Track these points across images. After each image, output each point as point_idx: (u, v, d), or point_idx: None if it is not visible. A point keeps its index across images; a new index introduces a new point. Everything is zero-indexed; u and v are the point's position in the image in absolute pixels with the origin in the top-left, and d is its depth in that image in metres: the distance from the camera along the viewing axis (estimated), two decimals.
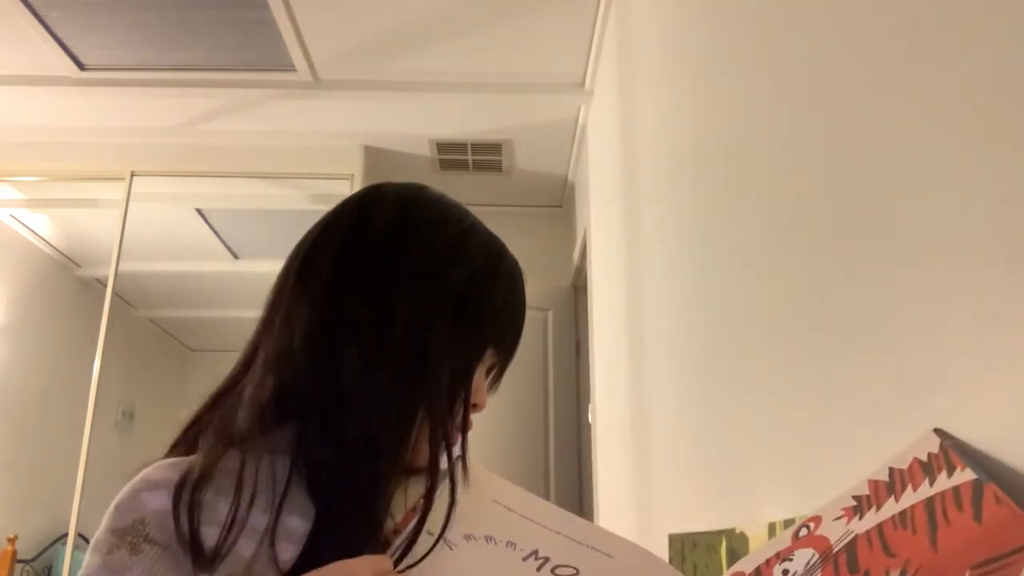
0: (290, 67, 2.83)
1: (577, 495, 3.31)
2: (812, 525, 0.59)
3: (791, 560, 0.57)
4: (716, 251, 1.28)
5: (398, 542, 0.56)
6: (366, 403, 0.62)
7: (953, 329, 0.59)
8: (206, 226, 3.65)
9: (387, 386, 0.63)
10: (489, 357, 0.71)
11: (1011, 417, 0.51)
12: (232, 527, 0.56)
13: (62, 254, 4.21)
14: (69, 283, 4.23)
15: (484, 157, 3.52)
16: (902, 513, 0.52)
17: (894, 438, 0.66)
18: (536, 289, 3.78)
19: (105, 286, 3.23)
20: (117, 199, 3.29)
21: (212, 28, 2.63)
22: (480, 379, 0.71)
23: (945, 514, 0.49)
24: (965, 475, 0.51)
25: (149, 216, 3.50)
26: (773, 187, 1.02)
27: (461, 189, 3.74)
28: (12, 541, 3.30)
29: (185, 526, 0.56)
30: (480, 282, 0.69)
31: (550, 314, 3.57)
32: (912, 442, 0.58)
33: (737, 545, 1.02)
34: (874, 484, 0.58)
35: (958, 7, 0.61)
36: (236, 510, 0.57)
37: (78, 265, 4.28)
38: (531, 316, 3.70)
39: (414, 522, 0.57)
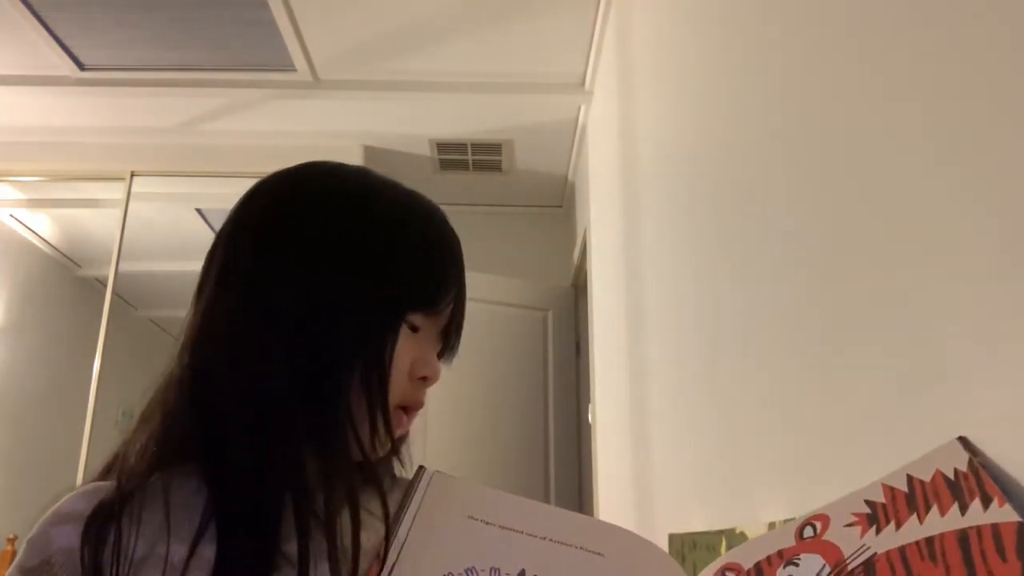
0: (290, 67, 2.83)
1: (577, 495, 3.31)
2: (818, 525, 0.54)
3: (796, 565, 0.52)
4: (716, 251, 1.28)
5: None
6: (250, 451, 0.55)
7: (955, 331, 0.59)
8: (206, 226, 3.65)
9: (277, 426, 0.56)
10: (426, 323, 0.63)
11: (1014, 420, 0.51)
12: (119, 564, 0.52)
13: (62, 254, 4.21)
14: (69, 283, 4.23)
15: (484, 157, 3.52)
16: (929, 541, 0.47)
17: (895, 438, 0.66)
18: (536, 289, 3.80)
19: (105, 286, 3.23)
20: (117, 199, 3.29)
21: (212, 28, 2.63)
22: (424, 347, 0.63)
23: (984, 558, 0.44)
24: (1005, 513, 0.45)
25: (149, 216, 3.50)
26: (773, 186, 1.02)
27: (461, 189, 3.76)
28: (12, 541, 3.29)
29: (89, 564, 0.52)
30: (379, 247, 0.61)
31: (550, 314, 3.57)
32: (934, 449, 0.54)
33: (737, 545, 1.02)
34: (890, 492, 0.53)
35: (958, 8, 0.61)
36: (119, 545, 0.53)
37: (78, 265, 4.28)
38: (531, 316, 3.72)
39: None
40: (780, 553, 0.54)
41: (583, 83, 2.92)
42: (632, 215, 2.09)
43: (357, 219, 0.62)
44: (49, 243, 4.12)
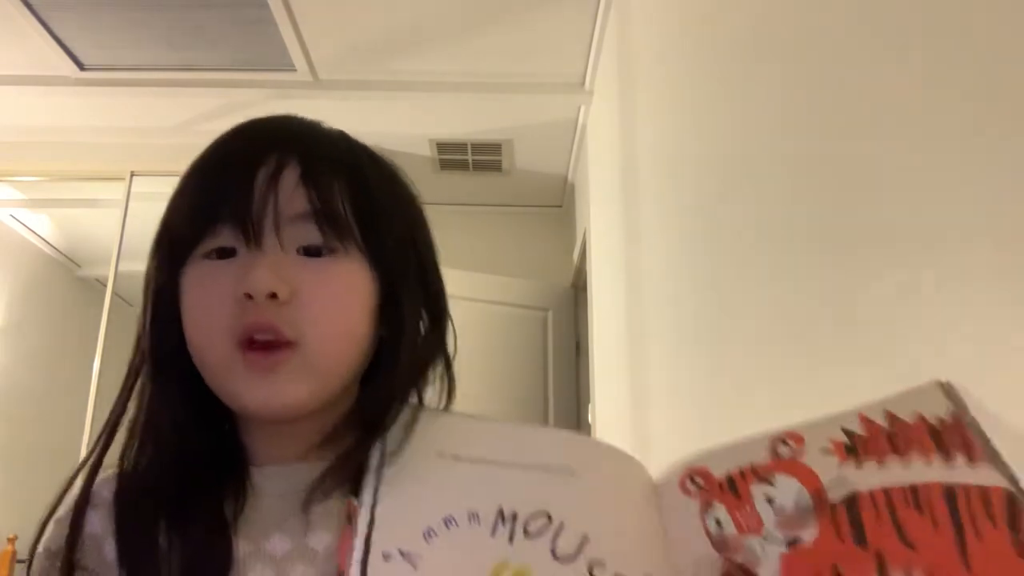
0: (290, 67, 2.83)
1: None
2: (794, 444, 0.51)
3: (773, 485, 0.49)
4: (716, 251, 1.28)
5: None
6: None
7: (957, 331, 0.59)
8: None
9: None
10: (200, 269, 0.55)
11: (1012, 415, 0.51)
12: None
13: (62, 254, 4.22)
14: (69, 283, 4.24)
15: (484, 157, 3.52)
16: (914, 489, 0.46)
17: None
18: (536, 289, 3.79)
19: (105, 286, 3.23)
20: (117, 199, 3.29)
21: (212, 28, 2.62)
22: (243, 265, 0.54)
23: (974, 521, 0.44)
24: (993, 478, 0.45)
25: (149, 216, 3.47)
26: (773, 186, 1.02)
27: (461, 189, 3.76)
28: (12, 541, 3.29)
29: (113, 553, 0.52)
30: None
31: (550, 314, 3.57)
32: (913, 388, 0.52)
33: None
34: (868, 424, 0.51)
35: (958, 9, 0.61)
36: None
37: (78, 265, 4.29)
38: (531, 316, 3.70)
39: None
40: (753, 468, 0.51)
41: (583, 83, 2.92)
42: (632, 215, 2.09)
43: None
44: (49, 243, 4.13)
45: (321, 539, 0.52)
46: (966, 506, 0.44)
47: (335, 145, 0.60)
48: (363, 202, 0.57)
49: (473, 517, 0.49)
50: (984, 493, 0.45)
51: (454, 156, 3.50)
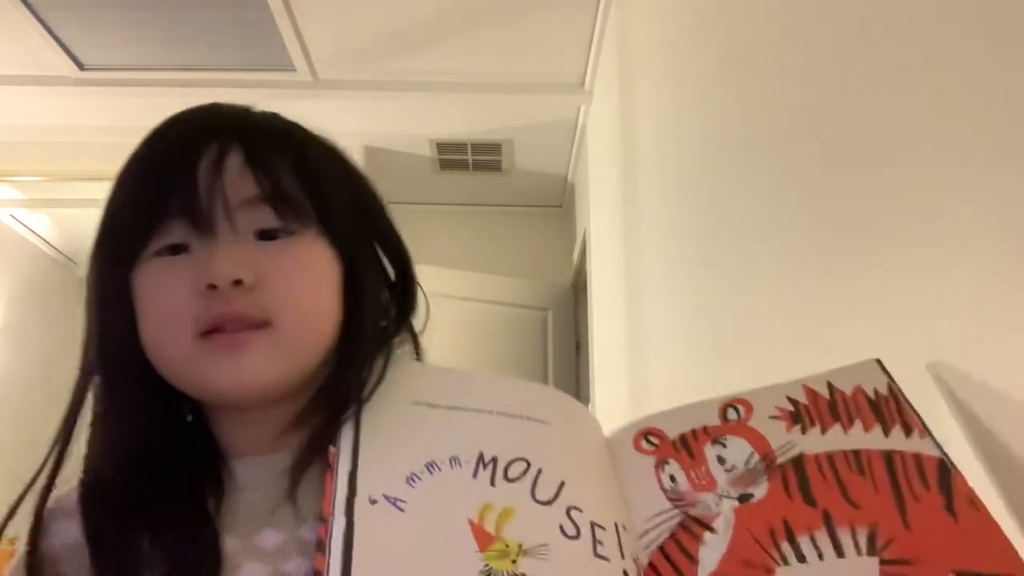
0: (290, 67, 2.83)
1: None
2: (743, 410, 0.54)
3: (724, 446, 0.52)
4: (716, 251, 1.28)
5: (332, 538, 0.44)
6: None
7: (956, 333, 0.59)
8: None
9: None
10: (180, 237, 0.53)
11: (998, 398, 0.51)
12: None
13: (62, 254, 4.22)
14: (69, 283, 4.24)
15: (484, 157, 3.52)
16: (856, 454, 0.50)
17: None
18: (536, 289, 3.78)
19: None
20: None
21: (212, 28, 2.63)
22: (201, 257, 0.52)
23: (910, 485, 0.47)
24: (926, 447, 0.49)
25: None
26: (774, 185, 1.02)
27: (461, 189, 3.76)
28: (12, 542, 3.30)
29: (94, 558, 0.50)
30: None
31: (550, 314, 3.57)
32: (852, 364, 0.55)
33: None
34: (812, 394, 0.54)
35: (962, 7, 0.61)
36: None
37: (78, 265, 4.28)
38: (531, 316, 3.69)
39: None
40: (705, 430, 0.53)
41: (583, 83, 2.93)
42: (632, 215, 2.09)
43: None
44: (49, 243, 4.13)
45: (314, 529, 0.50)
46: (903, 471, 0.48)
47: (272, 126, 0.59)
48: (310, 180, 0.56)
49: (455, 461, 0.49)
50: (919, 460, 0.49)
51: (454, 156, 3.50)
